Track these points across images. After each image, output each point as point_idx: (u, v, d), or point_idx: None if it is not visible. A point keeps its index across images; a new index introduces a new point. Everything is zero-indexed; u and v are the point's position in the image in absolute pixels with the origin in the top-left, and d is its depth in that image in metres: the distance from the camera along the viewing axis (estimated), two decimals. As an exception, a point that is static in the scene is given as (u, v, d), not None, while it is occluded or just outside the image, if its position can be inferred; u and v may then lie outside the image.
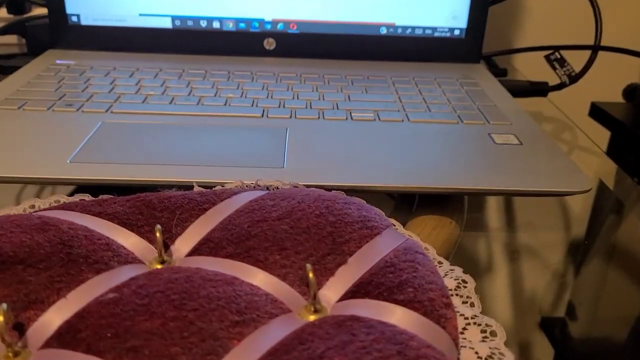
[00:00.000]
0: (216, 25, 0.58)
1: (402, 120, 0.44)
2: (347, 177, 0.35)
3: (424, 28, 0.59)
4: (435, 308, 0.23)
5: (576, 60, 0.59)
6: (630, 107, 0.63)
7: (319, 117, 0.44)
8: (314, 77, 0.53)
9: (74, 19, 0.57)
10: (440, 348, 0.21)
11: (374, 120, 0.44)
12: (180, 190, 0.31)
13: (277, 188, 0.33)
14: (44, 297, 0.22)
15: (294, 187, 0.33)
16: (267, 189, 0.33)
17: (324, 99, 0.48)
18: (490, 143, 0.41)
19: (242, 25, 0.58)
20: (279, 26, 0.58)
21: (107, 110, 0.43)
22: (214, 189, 0.32)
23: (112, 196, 0.29)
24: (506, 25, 0.72)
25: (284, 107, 0.46)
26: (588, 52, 0.57)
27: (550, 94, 0.57)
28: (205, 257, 0.25)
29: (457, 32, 0.59)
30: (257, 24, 0.58)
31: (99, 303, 0.21)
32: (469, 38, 0.59)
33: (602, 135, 0.63)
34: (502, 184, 0.36)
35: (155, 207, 0.28)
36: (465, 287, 0.27)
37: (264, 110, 0.45)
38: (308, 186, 0.34)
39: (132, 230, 0.26)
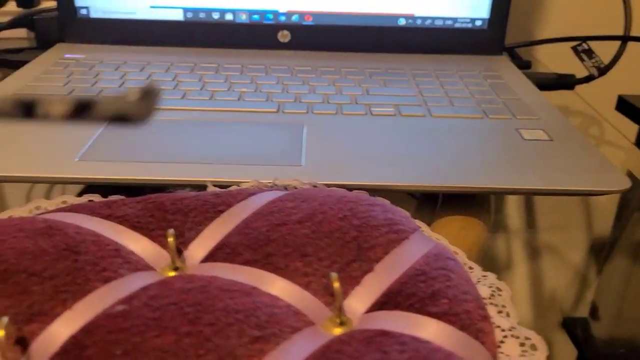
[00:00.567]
0: (229, 17, 0.56)
1: (424, 115, 0.42)
2: (368, 175, 0.33)
3: (444, 19, 0.56)
4: (473, 321, 0.21)
5: (600, 51, 0.56)
6: (658, 100, 0.60)
7: (336, 113, 0.42)
8: (331, 70, 0.51)
9: (83, 12, 0.55)
10: (480, 367, 0.19)
11: (395, 115, 0.42)
12: (193, 190, 0.30)
13: (296, 188, 0.31)
14: (48, 309, 0.20)
15: (314, 187, 0.31)
16: (285, 188, 0.31)
17: (341, 93, 0.46)
18: (519, 139, 0.39)
19: (255, 17, 0.56)
20: (294, 18, 0.56)
21: (117, 106, 0.42)
22: (229, 189, 0.31)
23: (121, 197, 0.28)
24: (528, 16, 0.69)
25: (300, 101, 0.44)
26: (613, 43, 0.54)
27: (575, 87, 0.55)
28: (221, 264, 0.23)
29: (478, 23, 0.56)
30: (271, 16, 0.56)
31: (107, 316, 0.19)
32: (491, 29, 0.56)
33: (630, 129, 0.60)
34: (533, 182, 0.33)
35: (167, 209, 0.26)
36: (500, 295, 0.25)
37: (279, 105, 0.43)
38: (328, 186, 0.32)
39: (143, 234, 0.25)
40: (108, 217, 0.25)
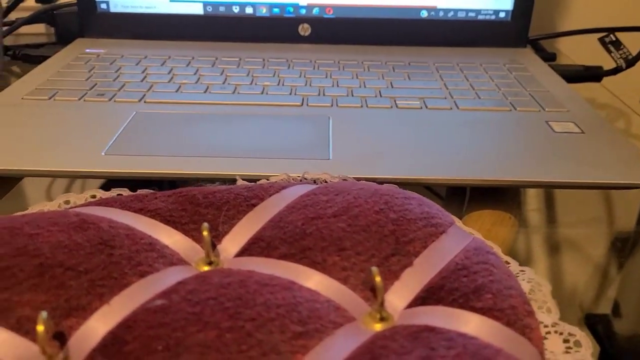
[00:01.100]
0: (249, 10, 0.55)
1: (451, 108, 0.41)
2: (397, 169, 0.33)
3: (467, 11, 0.55)
4: (519, 317, 0.20)
5: (627, 43, 0.55)
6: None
7: (361, 106, 0.42)
8: (353, 63, 0.51)
9: (103, 6, 0.55)
10: (529, 364, 0.18)
11: (421, 108, 0.41)
12: (223, 184, 0.29)
13: (325, 181, 0.31)
14: (85, 304, 0.20)
15: (344, 180, 0.31)
16: (315, 182, 0.31)
17: (365, 87, 0.45)
18: (549, 131, 0.38)
19: (275, 10, 0.55)
20: (315, 11, 0.55)
21: (140, 100, 0.41)
22: (259, 182, 0.30)
23: (152, 191, 0.27)
24: (551, 7, 0.68)
25: (324, 95, 0.43)
26: (638, 35, 0.53)
27: (602, 79, 0.54)
28: (256, 258, 0.23)
29: (502, 15, 0.55)
30: (291, 9, 0.55)
31: (146, 311, 0.19)
32: (514, 21, 0.56)
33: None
34: (567, 176, 0.33)
35: (199, 202, 0.25)
36: (540, 290, 0.24)
37: (303, 99, 0.42)
38: (358, 179, 0.31)
39: (176, 228, 0.24)
40: (140, 211, 0.25)
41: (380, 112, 0.40)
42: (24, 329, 0.19)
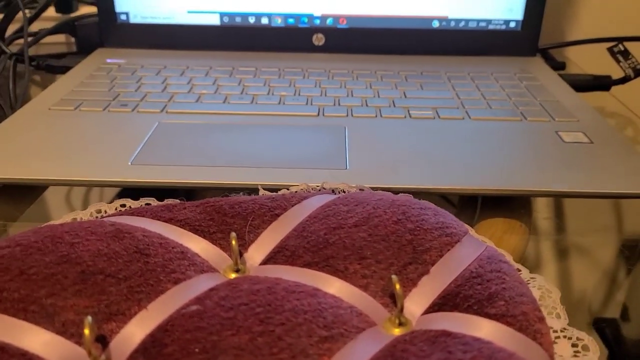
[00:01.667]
0: (264, 21, 0.57)
1: (463, 118, 0.43)
2: (412, 179, 0.34)
3: (478, 20, 0.57)
4: (530, 323, 0.21)
5: (635, 52, 0.56)
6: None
7: (376, 116, 0.43)
8: (367, 73, 0.52)
9: (123, 17, 0.57)
10: (541, 367, 0.20)
11: (434, 118, 0.43)
12: (246, 193, 0.31)
13: (344, 191, 0.32)
14: (124, 309, 0.21)
15: (361, 190, 0.32)
16: (333, 191, 0.32)
17: (379, 96, 0.47)
18: (559, 141, 0.39)
19: (290, 20, 0.57)
20: (328, 21, 0.57)
21: (162, 110, 0.43)
22: (280, 192, 0.32)
23: (180, 201, 0.29)
24: (560, 16, 0.69)
25: (339, 105, 0.45)
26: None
27: (611, 88, 0.55)
28: (281, 266, 0.24)
29: (512, 25, 0.57)
30: (305, 19, 0.57)
31: (182, 316, 0.20)
32: (525, 30, 0.57)
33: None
34: (576, 185, 0.34)
35: (226, 212, 0.27)
36: (549, 296, 0.25)
37: (319, 109, 0.44)
38: (374, 189, 0.32)
39: (204, 237, 0.26)
40: (170, 221, 0.26)
41: (394, 122, 0.42)
42: (68, 332, 0.20)
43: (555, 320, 0.24)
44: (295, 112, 0.43)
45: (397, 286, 0.21)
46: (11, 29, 0.60)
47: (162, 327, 0.20)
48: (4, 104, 0.46)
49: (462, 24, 0.57)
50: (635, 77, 0.52)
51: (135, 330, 0.21)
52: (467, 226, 0.29)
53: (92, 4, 0.61)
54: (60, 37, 0.67)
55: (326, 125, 0.41)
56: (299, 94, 0.46)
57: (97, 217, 0.31)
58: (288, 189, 0.32)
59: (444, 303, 0.22)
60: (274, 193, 0.30)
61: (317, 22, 0.57)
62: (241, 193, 0.30)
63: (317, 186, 0.32)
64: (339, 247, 0.24)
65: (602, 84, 0.52)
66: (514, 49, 0.57)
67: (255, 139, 0.38)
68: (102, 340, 0.21)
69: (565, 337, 0.24)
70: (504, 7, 0.56)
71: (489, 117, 0.43)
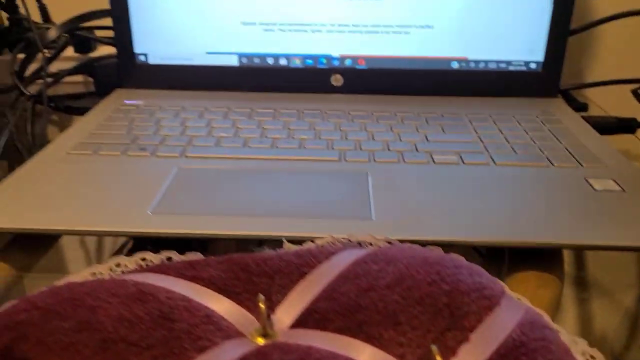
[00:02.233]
0: (283, 62, 0.57)
1: (488, 164, 0.42)
2: (440, 230, 0.33)
3: (498, 62, 0.56)
4: (582, 400, 0.20)
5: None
6: None
7: (399, 161, 0.42)
8: (387, 115, 0.51)
9: (142, 58, 0.57)
10: None
11: (458, 163, 0.42)
12: (268, 245, 0.30)
13: (371, 244, 0.31)
14: (148, 381, 0.20)
15: (388, 242, 0.31)
16: (360, 244, 0.31)
17: (401, 140, 0.46)
18: (589, 190, 0.38)
19: (309, 61, 0.57)
20: (347, 62, 0.56)
21: (181, 155, 0.42)
22: (305, 245, 0.31)
23: (203, 257, 0.28)
24: (581, 57, 0.68)
25: (360, 149, 0.44)
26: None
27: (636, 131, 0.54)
28: (312, 332, 0.23)
29: (533, 66, 0.56)
30: (324, 60, 0.57)
31: (210, 391, 0.19)
32: (546, 71, 0.56)
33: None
34: (612, 238, 0.33)
35: (252, 271, 0.26)
36: (594, 364, 0.24)
37: (340, 153, 0.43)
38: (401, 241, 0.31)
39: (230, 297, 0.25)
40: (194, 279, 0.25)
41: (417, 168, 0.41)
42: (89, 407, 0.19)
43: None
44: (316, 157, 0.42)
45: (439, 359, 0.20)
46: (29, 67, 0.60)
47: (189, 404, 0.19)
48: (22, 147, 0.45)
49: (481, 65, 0.56)
50: (662, 119, 0.51)
51: (160, 406, 0.19)
52: (501, 283, 0.28)
53: (110, 44, 0.62)
54: (78, 77, 0.67)
55: (348, 170, 0.40)
56: (319, 138, 0.46)
57: (116, 271, 0.29)
58: (313, 241, 0.31)
59: (486, 375, 0.21)
60: (300, 247, 0.29)
61: (336, 63, 0.57)
62: (265, 247, 0.29)
63: (343, 238, 0.31)
64: (372, 312, 0.23)
65: (627, 126, 0.51)
66: (535, 90, 0.57)
67: (276, 186, 0.37)
68: (124, 416, 0.19)
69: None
70: (525, 48, 0.55)
71: (514, 162, 0.42)
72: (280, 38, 0.56)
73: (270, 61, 0.57)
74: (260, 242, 0.32)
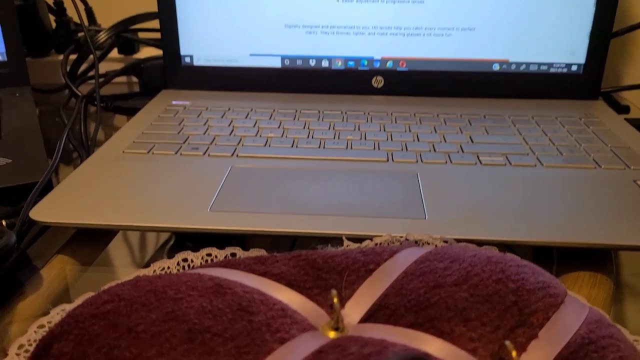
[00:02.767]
0: (325, 64, 0.58)
1: (535, 165, 0.42)
2: (494, 230, 0.33)
3: (539, 64, 0.56)
4: (655, 396, 0.20)
5: None
6: None
7: (446, 162, 0.43)
8: (429, 116, 0.52)
9: (187, 60, 0.58)
10: None
11: (505, 165, 0.42)
12: (334, 246, 0.30)
13: (428, 243, 0.32)
14: (234, 370, 0.21)
15: (445, 242, 0.32)
16: (416, 243, 0.32)
17: (445, 141, 0.46)
18: (638, 191, 0.38)
19: (350, 63, 0.57)
20: (388, 64, 0.57)
21: (232, 154, 0.43)
22: (365, 243, 0.31)
23: (271, 254, 0.29)
24: (621, 58, 0.68)
25: (407, 150, 0.45)
26: None
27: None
28: (382, 326, 0.24)
29: (574, 68, 0.56)
30: (365, 62, 0.57)
31: (295, 380, 0.20)
32: (587, 73, 0.56)
33: None
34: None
35: (320, 267, 0.27)
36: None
37: (388, 154, 0.44)
38: (458, 240, 0.32)
39: (301, 292, 0.26)
40: (265, 275, 0.26)
41: (465, 169, 0.41)
42: (180, 393, 0.20)
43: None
44: (364, 158, 0.43)
45: (514, 353, 0.21)
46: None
47: (276, 392, 0.20)
48: (78, 147, 0.47)
49: (522, 67, 0.56)
50: None
51: (246, 393, 0.20)
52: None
53: (154, 46, 0.63)
54: (122, 77, 0.69)
55: (397, 171, 0.41)
56: (365, 138, 0.47)
57: (184, 266, 0.31)
58: (371, 239, 0.32)
59: (558, 371, 0.22)
60: (364, 245, 0.30)
61: (377, 64, 0.57)
62: (329, 245, 0.30)
63: (401, 237, 0.32)
64: (442, 308, 0.24)
65: (671, 128, 0.51)
66: (576, 92, 0.57)
67: (329, 186, 0.38)
68: (213, 403, 0.20)
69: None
70: (566, 51, 0.56)
71: (561, 164, 0.42)
72: (322, 40, 0.57)
73: (312, 63, 0.58)
74: (320, 239, 0.33)
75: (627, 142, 0.47)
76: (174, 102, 0.55)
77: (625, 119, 0.52)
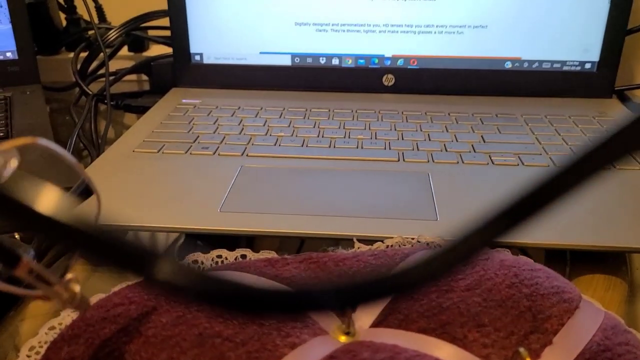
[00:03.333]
0: (335, 62, 0.57)
1: (548, 166, 0.42)
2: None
3: (552, 62, 0.56)
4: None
5: None
6: None
7: (458, 162, 0.42)
8: (441, 115, 0.51)
9: (197, 58, 0.58)
10: None
11: (518, 165, 0.42)
12: (341, 244, 0.30)
13: (440, 246, 0.31)
14: (245, 375, 0.21)
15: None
16: (427, 244, 0.31)
17: (457, 140, 0.46)
18: (655, 193, 0.38)
19: (361, 61, 0.57)
20: (399, 62, 0.57)
21: (242, 154, 0.43)
22: (375, 245, 0.31)
23: (282, 256, 0.28)
24: (633, 57, 0.67)
25: (418, 149, 0.44)
26: None
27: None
28: (395, 331, 0.23)
29: (588, 66, 0.55)
30: (376, 60, 0.57)
31: (306, 386, 0.20)
32: (601, 72, 0.55)
33: None
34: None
35: (331, 271, 0.26)
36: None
37: (399, 154, 0.43)
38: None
39: (311, 296, 0.25)
40: (275, 278, 0.26)
41: (477, 169, 0.41)
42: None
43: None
44: (375, 157, 0.43)
45: (528, 361, 0.21)
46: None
47: (287, 398, 0.20)
48: (88, 145, 0.47)
49: (535, 65, 0.56)
50: None
51: (257, 399, 0.20)
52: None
53: (164, 43, 0.63)
54: (132, 75, 0.69)
55: (409, 171, 0.40)
56: (376, 138, 0.46)
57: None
58: (382, 241, 0.32)
59: (573, 379, 0.21)
60: (373, 248, 0.30)
61: (388, 62, 0.57)
62: (339, 246, 0.30)
63: (412, 238, 0.32)
64: (455, 313, 0.23)
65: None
66: (590, 90, 0.56)
67: (340, 186, 0.38)
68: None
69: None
70: (580, 48, 0.55)
71: (575, 164, 0.42)
72: (332, 38, 0.56)
73: (322, 61, 0.57)
74: (330, 240, 0.33)
75: (642, 142, 0.46)
76: (184, 101, 0.55)
77: (640, 118, 0.52)
